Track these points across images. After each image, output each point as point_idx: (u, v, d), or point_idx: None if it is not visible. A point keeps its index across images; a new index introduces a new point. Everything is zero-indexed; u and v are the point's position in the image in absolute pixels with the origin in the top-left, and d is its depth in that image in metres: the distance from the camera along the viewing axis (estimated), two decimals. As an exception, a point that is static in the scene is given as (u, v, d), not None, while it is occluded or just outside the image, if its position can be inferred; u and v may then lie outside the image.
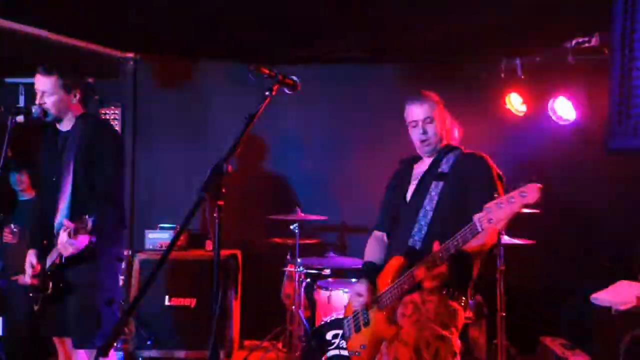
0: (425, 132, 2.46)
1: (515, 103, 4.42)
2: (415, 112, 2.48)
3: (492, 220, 1.93)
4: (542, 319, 4.29)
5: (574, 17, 3.61)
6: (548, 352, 3.91)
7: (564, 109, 4.13)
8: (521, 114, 4.42)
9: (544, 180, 1.87)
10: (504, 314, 3.64)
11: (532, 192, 1.86)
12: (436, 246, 2.15)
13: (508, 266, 3.70)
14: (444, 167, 2.44)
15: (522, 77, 4.27)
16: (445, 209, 2.34)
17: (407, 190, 2.52)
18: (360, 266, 2.61)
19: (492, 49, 4.37)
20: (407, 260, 2.31)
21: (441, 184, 2.39)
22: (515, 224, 2.00)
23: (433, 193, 2.38)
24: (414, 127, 2.49)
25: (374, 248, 2.58)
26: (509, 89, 4.42)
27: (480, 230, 2.00)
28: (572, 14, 3.57)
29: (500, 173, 2.40)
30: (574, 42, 3.82)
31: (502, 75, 4.45)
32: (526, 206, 1.89)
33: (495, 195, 2.21)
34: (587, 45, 3.76)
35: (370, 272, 2.45)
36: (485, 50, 4.43)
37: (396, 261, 2.35)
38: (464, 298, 2.33)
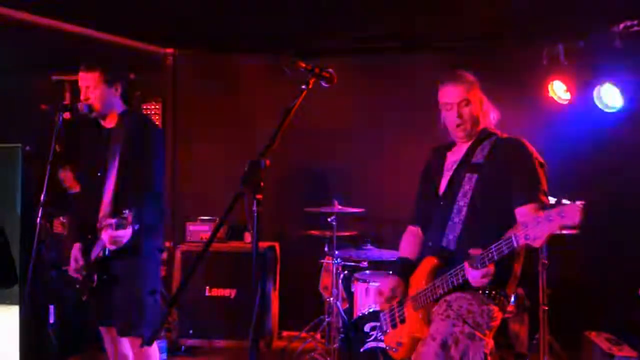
0: (460, 116, 2.30)
1: (558, 90, 4.29)
2: (451, 93, 2.30)
3: (528, 237, 1.83)
4: (586, 313, 4.17)
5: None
6: (593, 347, 3.80)
7: (610, 95, 3.98)
8: (565, 102, 4.28)
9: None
10: (546, 308, 3.57)
11: (572, 213, 1.74)
12: (473, 251, 2.03)
13: (551, 258, 3.61)
14: (479, 156, 2.28)
15: (566, 63, 4.14)
16: (480, 204, 2.20)
17: (439, 183, 2.39)
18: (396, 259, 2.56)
19: (534, 34, 4.23)
20: (441, 261, 2.23)
21: (475, 176, 2.24)
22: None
23: (467, 187, 2.24)
24: (449, 110, 2.32)
25: (408, 242, 2.51)
26: (552, 76, 4.29)
27: (515, 246, 1.89)
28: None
29: (542, 160, 2.24)
30: (621, 25, 3.67)
31: (545, 61, 4.32)
32: (565, 228, 1.77)
33: (538, 187, 2.14)
34: (636, 28, 3.61)
35: (403, 269, 2.39)
36: (527, 36, 4.29)
37: (429, 262, 2.27)
38: (502, 298, 2.21)
